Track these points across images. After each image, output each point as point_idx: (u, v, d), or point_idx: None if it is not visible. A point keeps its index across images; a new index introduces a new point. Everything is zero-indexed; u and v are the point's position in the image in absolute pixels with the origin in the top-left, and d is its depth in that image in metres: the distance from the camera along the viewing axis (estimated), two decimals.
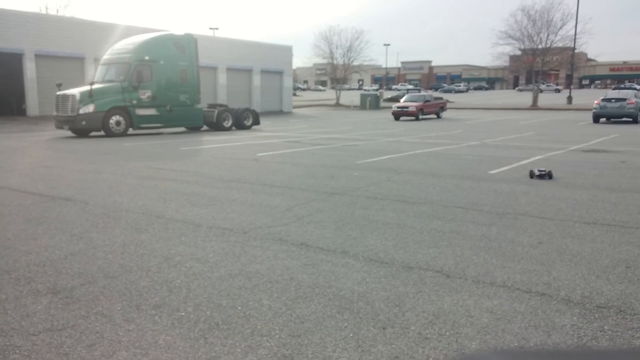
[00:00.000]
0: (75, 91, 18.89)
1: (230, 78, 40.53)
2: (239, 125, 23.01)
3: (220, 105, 23.75)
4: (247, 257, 4.86)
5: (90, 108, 18.41)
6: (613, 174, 9.69)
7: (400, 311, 3.64)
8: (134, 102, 19.42)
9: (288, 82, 46.52)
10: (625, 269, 4.46)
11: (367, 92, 56.62)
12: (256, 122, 24.00)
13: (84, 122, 18.44)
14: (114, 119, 18.86)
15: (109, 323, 3.50)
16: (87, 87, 19.01)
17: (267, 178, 9.37)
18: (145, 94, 19.69)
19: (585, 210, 6.67)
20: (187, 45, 21.24)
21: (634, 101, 25.92)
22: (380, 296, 3.90)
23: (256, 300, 3.85)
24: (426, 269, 4.50)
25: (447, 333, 3.31)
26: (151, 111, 19.94)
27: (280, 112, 43.14)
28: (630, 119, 26.09)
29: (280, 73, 45.04)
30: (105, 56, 20.89)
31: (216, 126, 22.18)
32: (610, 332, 3.30)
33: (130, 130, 19.57)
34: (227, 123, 22.56)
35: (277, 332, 3.34)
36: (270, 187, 8.46)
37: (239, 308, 3.71)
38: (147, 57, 19.81)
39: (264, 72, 43.23)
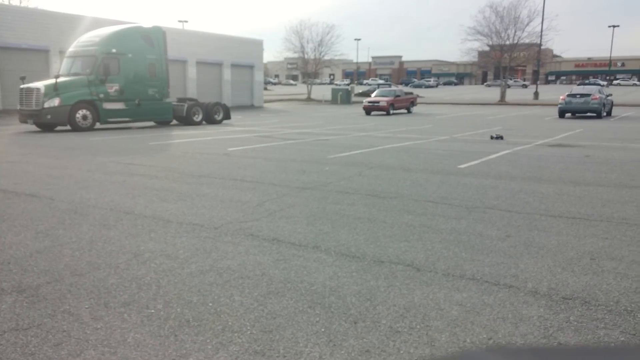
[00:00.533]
0: (40, 84, 18.40)
1: (200, 72, 40.04)
2: (210, 119, 22.77)
3: (190, 100, 23.43)
4: (218, 252, 4.82)
5: (55, 102, 17.97)
6: (578, 168, 9.92)
7: (372, 305, 3.66)
8: (101, 95, 19.02)
9: (259, 76, 46.20)
10: (590, 260, 4.58)
11: (338, 87, 56.67)
12: (227, 116, 23.78)
13: (49, 116, 17.99)
14: (80, 113, 18.44)
15: (76, 321, 3.43)
16: (52, 80, 18.54)
17: (238, 173, 9.31)
18: (113, 88, 19.31)
19: (552, 204, 6.82)
20: (155, 38, 20.89)
21: (598, 97, 26.57)
22: (352, 290, 3.92)
23: (227, 296, 3.83)
24: (397, 262, 4.54)
25: (418, 326, 3.34)
26: (119, 105, 19.56)
27: (251, 107, 42.87)
28: (595, 114, 26.73)
29: (251, 67, 44.70)
30: (71, 48, 20.37)
31: (186, 120, 21.91)
32: (575, 322, 3.38)
33: (98, 125, 19.17)
34: (197, 117, 22.29)
35: (248, 328, 3.33)
36: (241, 182, 8.41)
37: (210, 304, 3.68)
38: (114, 50, 19.42)
39: (234, 66, 42.82)
